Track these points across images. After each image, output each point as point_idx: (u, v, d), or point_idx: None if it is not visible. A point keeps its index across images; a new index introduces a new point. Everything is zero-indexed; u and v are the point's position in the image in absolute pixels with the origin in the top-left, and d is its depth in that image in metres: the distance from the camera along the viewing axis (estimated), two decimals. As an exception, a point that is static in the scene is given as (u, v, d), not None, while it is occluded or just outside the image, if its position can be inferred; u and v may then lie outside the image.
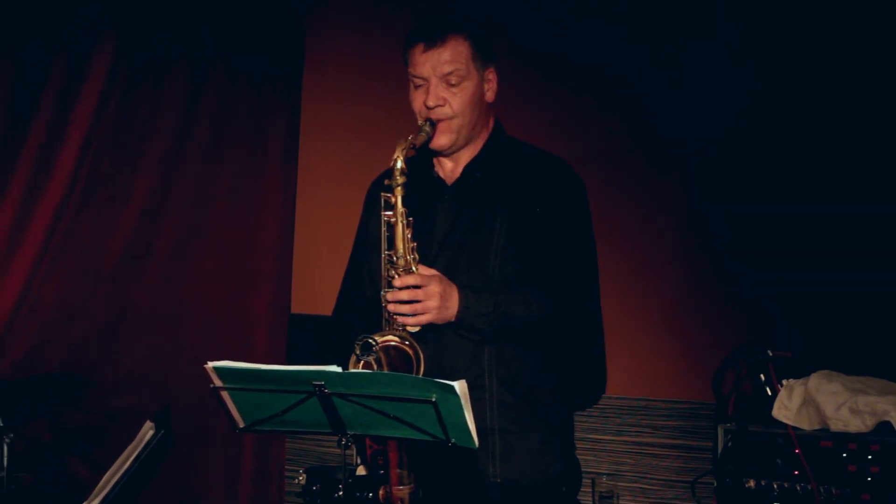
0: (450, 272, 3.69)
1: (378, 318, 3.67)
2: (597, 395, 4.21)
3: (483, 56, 3.82)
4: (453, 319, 3.65)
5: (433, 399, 3.12)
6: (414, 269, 3.63)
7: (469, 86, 3.79)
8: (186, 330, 5.91)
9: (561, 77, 5.56)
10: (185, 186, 5.89)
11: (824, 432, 4.45)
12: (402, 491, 3.47)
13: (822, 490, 4.38)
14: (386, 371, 3.52)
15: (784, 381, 4.63)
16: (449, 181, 3.92)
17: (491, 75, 3.86)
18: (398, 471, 3.46)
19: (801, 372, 4.62)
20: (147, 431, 4.67)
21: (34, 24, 5.27)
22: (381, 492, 3.51)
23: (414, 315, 3.60)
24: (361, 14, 6.20)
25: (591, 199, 3.89)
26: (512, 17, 5.53)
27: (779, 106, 5.06)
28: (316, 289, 6.06)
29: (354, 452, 3.94)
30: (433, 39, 3.76)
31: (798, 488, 4.43)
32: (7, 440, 4.59)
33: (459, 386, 3.09)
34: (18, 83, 5.25)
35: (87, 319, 5.58)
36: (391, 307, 3.62)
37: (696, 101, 5.25)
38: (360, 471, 3.98)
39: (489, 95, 3.87)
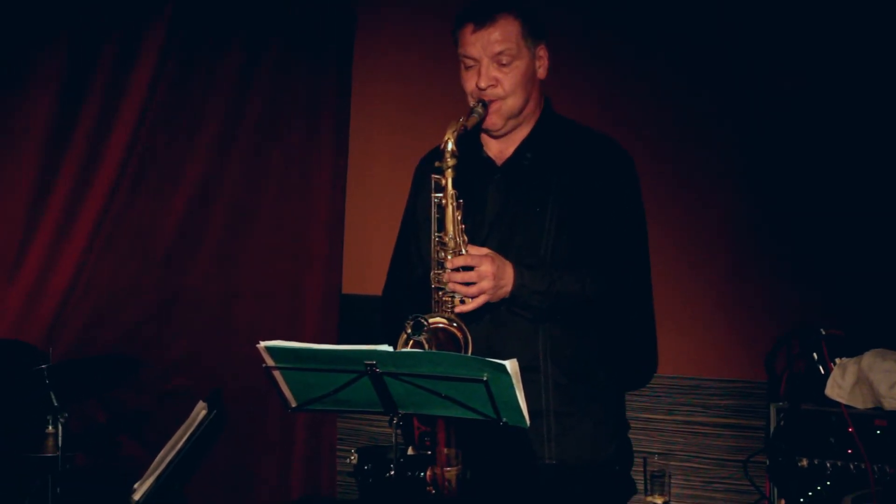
0: (501, 252, 3.67)
1: (428, 297, 3.67)
2: (649, 374, 4.18)
3: (533, 33, 3.78)
4: (507, 296, 3.64)
5: (484, 378, 3.11)
6: (464, 251, 3.62)
7: (520, 65, 3.75)
8: (238, 311, 5.94)
9: (611, 55, 5.54)
10: (237, 168, 5.91)
11: (878, 411, 4.42)
12: (450, 472, 3.46)
13: (875, 469, 4.36)
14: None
15: (837, 360, 4.61)
16: (499, 161, 3.89)
17: (542, 52, 3.82)
18: (445, 451, 3.46)
19: (855, 350, 4.60)
20: (199, 412, 4.71)
21: (86, 8, 5.29)
22: (427, 472, 3.50)
23: (468, 297, 3.59)
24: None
25: (642, 179, 3.87)
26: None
27: (833, 87, 5.04)
28: (367, 269, 6.07)
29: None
30: (482, 19, 3.73)
31: (851, 467, 4.41)
32: (62, 420, 4.62)
33: (510, 365, 3.08)
34: (71, 65, 5.27)
35: (140, 301, 5.61)
36: (450, 287, 3.61)
37: (748, 80, 5.22)
38: (411, 451, 3.98)
39: (541, 73, 3.84)
